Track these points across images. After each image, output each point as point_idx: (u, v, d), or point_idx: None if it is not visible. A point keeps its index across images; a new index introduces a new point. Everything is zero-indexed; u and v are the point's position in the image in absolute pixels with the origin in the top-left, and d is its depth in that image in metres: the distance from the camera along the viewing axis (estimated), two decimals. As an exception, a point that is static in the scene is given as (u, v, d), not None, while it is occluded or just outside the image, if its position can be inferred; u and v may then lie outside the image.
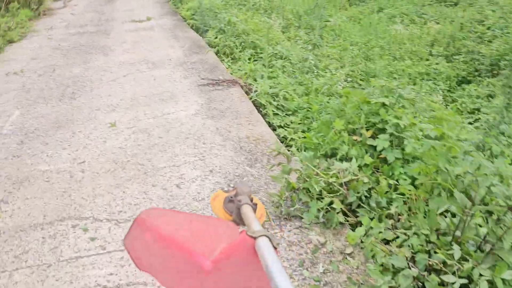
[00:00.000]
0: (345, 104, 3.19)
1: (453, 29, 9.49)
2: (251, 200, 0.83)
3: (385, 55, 8.13)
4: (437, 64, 8.04)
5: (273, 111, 3.92)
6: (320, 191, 2.35)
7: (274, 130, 3.75)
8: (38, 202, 2.65)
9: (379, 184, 2.54)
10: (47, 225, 2.43)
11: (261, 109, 4.08)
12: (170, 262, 0.65)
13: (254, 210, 0.81)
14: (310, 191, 2.36)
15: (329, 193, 2.37)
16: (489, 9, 12.83)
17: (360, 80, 5.95)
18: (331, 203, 2.26)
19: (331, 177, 2.39)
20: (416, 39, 9.40)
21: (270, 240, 0.64)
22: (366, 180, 2.34)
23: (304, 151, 3.14)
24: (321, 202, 2.28)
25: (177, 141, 3.35)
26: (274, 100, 4.08)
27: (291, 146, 3.42)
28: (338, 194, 2.31)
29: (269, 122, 3.83)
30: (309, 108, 3.89)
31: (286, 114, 3.96)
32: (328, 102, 3.97)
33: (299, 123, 3.69)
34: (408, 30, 9.94)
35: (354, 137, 2.95)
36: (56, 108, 4.09)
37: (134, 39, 6.81)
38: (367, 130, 2.93)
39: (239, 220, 0.80)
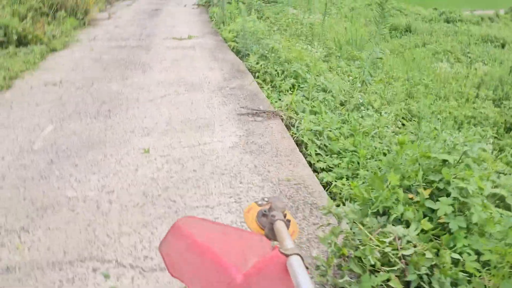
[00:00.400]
0: (399, 155, 2.89)
1: (502, 72, 9.03)
2: (285, 216, 0.82)
3: (429, 94, 7.77)
4: (484, 108, 7.60)
5: (315, 151, 3.64)
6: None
7: (314, 171, 3.47)
8: (60, 234, 2.43)
9: (438, 255, 2.21)
10: (66, 265, 2.20)
11: (302, 146, 3.81)
12: (202, 270, 0.65)
13: (288, 226, 0.80)
14: (362, 261, 2.05)
15: (383, 265, 2.06)
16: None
17: (403, 119, 5.62)
18: (388, 279, 1.95)
19: (388, 245, 2.08)
20: (462, 79, 8.99)
21: (302, 259, 0.63)
22: (429, 255, 2.02)
23: (350, 202, 2.85)
24: (376, 277, 1.97)
25: (212, 177, 3.10)
26: (317, 139, 3.81)
27: (334, 194, 3.13)
28: (395, 269, 2.00)
29: (309, 162, 3.55)
30: (355, 151, 3.59)
31: (329, 155, 3.67)
32: (376, 148, 3.66)
33: (344, 168, 3.39)
34: (454, 69, 9.54)
35: (410, 196, 2.64)
36: (90, 126, 3.93)
37: (174, 57, 6.70)
38: (424, 188, 2.61)
39: (272, 235, 0.79)
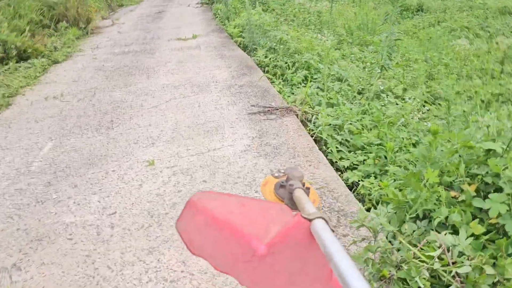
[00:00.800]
0: (433, 146, 2.50)
1: (526, 43, 8.45)
2: (303, 185, 0.79)
3: (450, 74, 7.27)
4: (509, 83, 7.07)
5: (336, 147, 3.27)
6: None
7: (337, 170, 3.10)
8: (55, 270, 2.13)
9: (495, 265, 1.83)
10: (61, 308, 1.90)
11: (321, 143, 3.44)
12: (223, 245, 0.64)
13: (307, 194, 0.77)
14: (408, 283, 1.69)
15: (433, 285, 1.69)
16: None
17: (427, 103, 5.18)
18: (443, 307, 1.58)
19: (437, 261, 1.71)
20: (484, 55, 8.45)
21: (326, 222, 0.60)
22: (490, 270, 1.64)
23: (382, 205, 2.48)
24: (427, 304, 1.61)
25: (224, 187, 2.77)
26: (337, 134, 3.44)
27: (362, 196, 2.76)
28: (450, 291, 1.63)
29: (331, 161, 3.19)
30: (380, 145, 3.21)
31: (352, 151, 3.29)
32: (404, 139, 3.27)
33: (370, 165, 3.01)
34: (473, 45, 8.98)
35: (453, 194, 2.26)
36: (91, 140, 3.64)
37: (179, 58, 6.39)
38: (469, 184, 2.23)
39: (292, 205, 0.76)
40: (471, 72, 7.56)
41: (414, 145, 3.41)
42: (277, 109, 4.03)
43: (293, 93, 4.84)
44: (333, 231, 0.59)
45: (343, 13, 12.50)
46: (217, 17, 9.73)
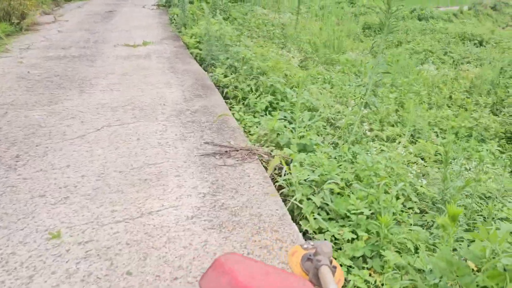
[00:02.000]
0: (451, 237, 1.75)
1: (492, 74, 8.13)
2: (331, 262, 0.78)
3: (421, 102, 6.75)
4: (483, 117, 6.62)
5: (313, 215, 2.45)
6: None
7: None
8: None
9: None
10: None
11: (292, 199, 2.61)
12: None
13: (333, 273, 0.76)
14: None
15: None
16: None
17: (412, 143, 4.52)
18: None
19: None
20: (451, 82, 8.03)
21: None
22: None
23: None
24: None
25: (160, 285, 1.86)
26: (314, 193, 2.62)
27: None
28: None
29: (305, 233, 2.37)
30: (372, 213, 2.42)
31: (333, 219, 2.49)
32: (403, 210, 2.50)
33: (362, 248, 2.21)
34: (440, 71, 8.56)
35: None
36: (-19, 188, 2.60)
37: (124, 69, 5.37)
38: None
39: (316, 281, 0.75)
40: (442, 102, 7.08)
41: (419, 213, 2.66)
42: (237, 150, 3.17)
43: (257, 124, 4.01)
44: None
45: (308, 27, 11.87)
46: (173, 22, 8.74)
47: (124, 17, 9.88)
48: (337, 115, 4.72)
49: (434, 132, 5.77)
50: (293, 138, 3.36)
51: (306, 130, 3.82)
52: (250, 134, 3.80)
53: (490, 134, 6.29)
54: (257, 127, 3.94)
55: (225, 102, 4.47)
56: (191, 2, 8.68)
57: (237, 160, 3.03)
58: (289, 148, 3.26)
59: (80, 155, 3.03)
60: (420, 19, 16.77)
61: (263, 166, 3.03)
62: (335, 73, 7.62)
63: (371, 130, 3.60)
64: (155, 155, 3.08)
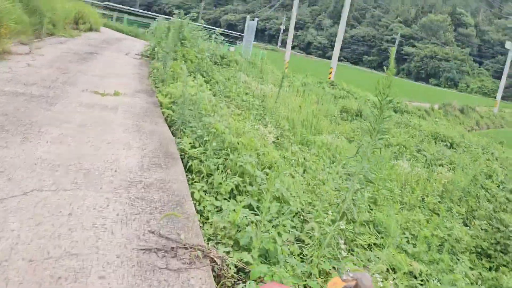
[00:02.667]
0: None
1: (465, 181, 8.00)
2: None
3: (394, 202, 6.41)
4: (453, 227, 6.32)
5: None
6: None
7: None
8: None
9: None
10: None
11: None
12: None
13: None
14: None
15: None
16: (486, 157, 11.73)
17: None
18: None
19: None
20: (424, 183, 7.83)
21: None
22: None
23: None
24: None
25: None
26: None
27: None
28: None
29: None
30: None
31: None
32: None
33: None
34: (413, 169, 8.39)
35: None
36: None
37: (83, 120, 4.82)
38: None
39: None
40: (414, 203, 6.78)
41: None
42: (186, 248, 2.59)
43: (217, 209, 3.48)
44: None
45: (287, 101, 11.79)
46: (151, 76, 8.38)
47: (102, 62, 9.47)
48: (308, 208, 4.27)
49: (405, 237, 5.38)
50: (256, 238, 2.82)
51: (272, 226, 3.31)
52: (207, 221, 3.26)
53: (461, 246, 5.96)
54: (218, 212, 3.42)
55: (187, 176, 3.95)
56: (174, 59, 8.39)
57: (183, 263, 2.45)
58: (249, 252, 2.72)
59: (-14, 228, 2.39)
60: (395, 111, 17.19)
61: (214, 275, 2.45)
62: (309, 155, 7.30)
63: (344, 243, 3.12)
64: (83, 241, 2.46)
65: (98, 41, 13.53)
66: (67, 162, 3.55)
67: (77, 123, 4.66)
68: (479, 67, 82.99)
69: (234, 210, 3.42)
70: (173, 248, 2.56)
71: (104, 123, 4.86)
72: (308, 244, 3.11)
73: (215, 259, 2.55)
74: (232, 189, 3.91)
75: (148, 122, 5.29)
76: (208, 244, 2.73)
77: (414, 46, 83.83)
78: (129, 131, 4.79)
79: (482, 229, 6.44)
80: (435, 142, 12.27)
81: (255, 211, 3.53)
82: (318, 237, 2.94)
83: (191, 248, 2.59)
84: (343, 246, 2.85)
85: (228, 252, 2.73)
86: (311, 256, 2.78)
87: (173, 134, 5.08)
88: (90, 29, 15.90)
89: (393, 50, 3.06)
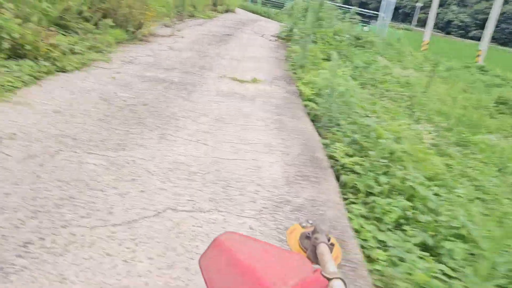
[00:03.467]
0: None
1: None
2: (329, 240, 0.75)
3: None
4: None
5: None
6: None
7: None
8: None
9: None
10: None
11: None
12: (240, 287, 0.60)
13: (331, 250, 0.73)
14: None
15: None
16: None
17: None
18: None
19: None
20: None
21: (344, 284, 0.58)
22: None
23: None
24: None
25: None
26: None
27: None
28: None
29: None
30: None
31: None
32: None
33: None
34: None
35: None
36: None
37: (220, 112, 4.26)
38: None
39: (314, 258, 0.72)
40: None
41: None
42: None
43: (382, 243, 2.58)
44: None
45: (435, 90, 10.06)
46: (289, 60, 7.62)
47: (239, 44, 9.04)
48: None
49: None
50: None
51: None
52: (373, 266, 2.37)
53: None
54: (384, 251, 2.51)
55: (341, 193, 3.09)
56: (314, 42, 7.50)
57: None
58: None
59: (88, 266, 1.84)
60: None
61: None
62: (473, 160, 5.84)
63: None
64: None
65: (234, 22, 13.29)
66: (204, 169, 2.95)
67: (214, 117, 4.11)
68: None
69: (407, 251, 2.49)
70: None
71: (242, 117, 4.24)
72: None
73: None
74: (396, 219, 2.94)
75: (289, 117, 4.53)
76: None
77: None
78: (269, 127, 4.09)
79: None
80: None
81: (434, 255, 2.55)
82: None
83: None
84: None
85: None
86: None
87: (318, 132, 4.24)
88: (226, 11, 15.86)
89: None
